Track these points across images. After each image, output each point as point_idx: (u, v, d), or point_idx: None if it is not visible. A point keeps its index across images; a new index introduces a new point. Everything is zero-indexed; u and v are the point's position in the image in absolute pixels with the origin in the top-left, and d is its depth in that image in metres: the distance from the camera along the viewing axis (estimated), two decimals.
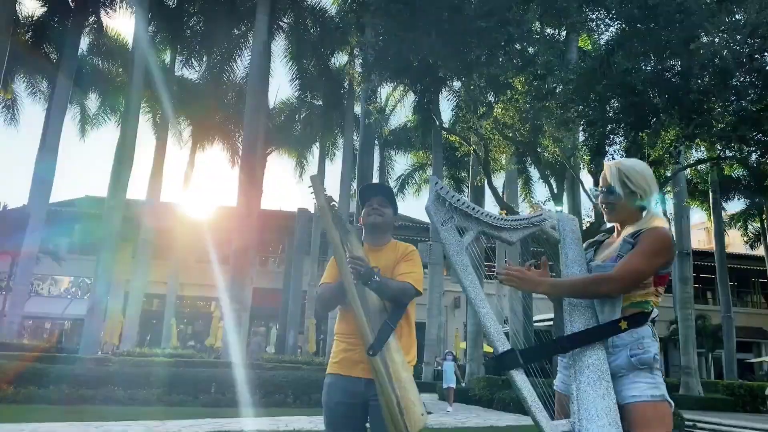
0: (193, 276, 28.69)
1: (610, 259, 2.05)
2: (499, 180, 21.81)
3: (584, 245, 2.24)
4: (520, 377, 1.90)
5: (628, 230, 2.08)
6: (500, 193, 17.58)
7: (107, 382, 11.09)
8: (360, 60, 16.01)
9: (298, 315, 23.09)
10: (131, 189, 22.40)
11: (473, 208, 2.14)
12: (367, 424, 2.58)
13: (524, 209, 22.20)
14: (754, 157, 15.73)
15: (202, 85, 24.09)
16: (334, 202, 2.62)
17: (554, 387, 2.15)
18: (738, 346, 26.35)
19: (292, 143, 26.12)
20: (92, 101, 24.94)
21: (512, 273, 2.02)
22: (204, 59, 23.22)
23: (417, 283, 2.58)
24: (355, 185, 24.17)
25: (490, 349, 18.22)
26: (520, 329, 20.07)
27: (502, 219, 2.17)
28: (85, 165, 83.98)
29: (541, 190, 30.88)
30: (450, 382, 13.56)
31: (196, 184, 74.11)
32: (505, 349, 1.94)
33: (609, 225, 2.57)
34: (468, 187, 24.26)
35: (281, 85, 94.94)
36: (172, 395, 11.25)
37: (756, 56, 12.07)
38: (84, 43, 22.08)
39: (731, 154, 15.02)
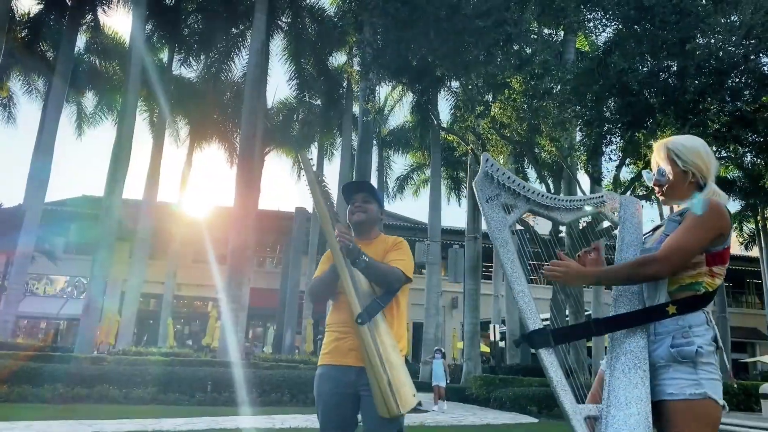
0: (191, 276, 28.67)
1: (657, 241, 1.92)
2: None
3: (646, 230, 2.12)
4: (549, 357, 1.83)
5: (681, 208, 1.96)
6: None
7: (102, 381, 11.07)
8: (358, 59, 16.03)
9: (295, 315, 23.08)
10: (128, 189, 22.35)
11: (523, 186, 2.08)
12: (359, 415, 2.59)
13: None
14: (748, 157, 15.82)
15: (200, 84, 24.06)
16: (323, 178, 2.63)
17: (600, 368, 2.00)
18: (733, 346, 26.47)
19: (290, 143, 26.12)
20: (89, 100, 24.89)
21: (556, 267, 1.88)
22: (202, 58, 23.18)
23: (406, 270, 2.59)
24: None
25: (488, 349, 18.22)
26: (516, 329, 20.18)
27: (554, 198, 2.10)
28: (81, 164, 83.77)
29: None
30: (439, 380, 13.30)
31: (193, 184, 74.01)
32: (537, 327, 1.87)
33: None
34: (466, 187, 24.32)
35: (279, 85, 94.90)
36: (168, 394, 11.24)
37: (751, 57, 12.16)
38: (81, 41, 22.07)
39: (726, 155, 15.09)
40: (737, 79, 12.50)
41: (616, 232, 2.11)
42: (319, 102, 24.52)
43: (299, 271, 23.62)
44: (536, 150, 16.34)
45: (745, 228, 29.72)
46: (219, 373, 11.88)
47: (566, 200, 2.10)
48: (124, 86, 17.66)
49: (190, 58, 22.86)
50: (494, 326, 20.07)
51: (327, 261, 2.70)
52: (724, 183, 26.89)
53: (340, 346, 2.58)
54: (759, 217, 28.16)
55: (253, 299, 22.30)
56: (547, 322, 2.14)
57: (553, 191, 15.56)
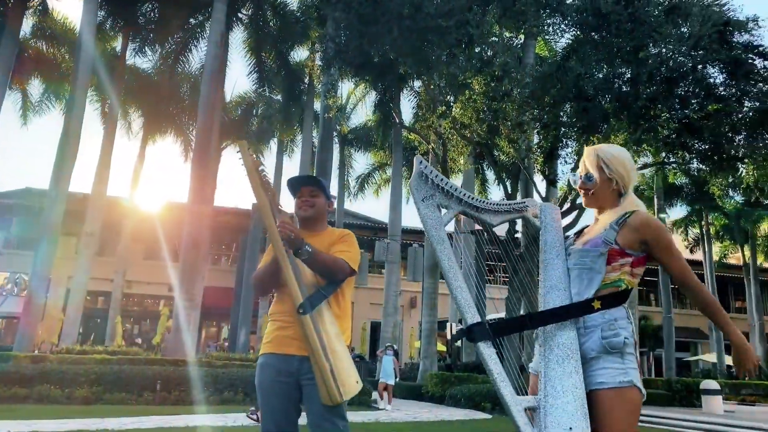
0: (142, 273, 27.92)
1: (591, 243, 2.03)
2: (456, 181, 22.04)
3: (565, 234, 2.27)
4: (488, 350, 1.89)
5: (609, 216, 2.08)
6: None
7: (43, 381, 10.66)
8: (320, 53, 15.91)
9: (249, 314, 22.73)
10: (76, 182, 21.61)
11: (455, 188, 2.16)
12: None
13: None
14: (695, 164, 16.40)
15: (156, 75, 23.42)
16: (263, 167, 2.57)
17: (529, 370, 2.13)
18: (677, 346, 27.43)
19: (248, 138, 25.70)
20: (35, 87, 23.84)
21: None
22: (158, 48, 22.55)
23: (352, 262, 2.57)
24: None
25: (444, 348, 18.40)
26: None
27: (484, 201, 2.19)
28: (26, 155, 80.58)
29: (496, 192, 31.41)
30: (387, 377, 12.79)
31: (146, 178, 72.13)
32: (475, 321, 1.93)
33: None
34: None
35: (238, 79, 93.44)
36: (114, 393, 10.91)
37: (699, 67, 12.61)
38: (27, 25, 21.12)
39: (675, 161, 15.62)
40: (686, 88, 12.93)
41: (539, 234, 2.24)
42: (279, 97, 24.19)
43: (255, 269, 23.26)
44: (495, 152, 16.56)
45: (690, 232, 30.90)
46: (169, 371, 11.59)
47: (494, 204, 2.22)
48: (73, 74, 17.02)
49: (146, 47, 22.20)
50: (451, 324, 20.24)
51: (270, 253, 2.64)
52: (671, 189, 27.93)
53: (283, 336, 2.55)
54: (703, 222, 29.33)
55: (207, 298, 21.89)
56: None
57: (510, 192, 15.79)
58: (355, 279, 2.88)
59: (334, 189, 26.29)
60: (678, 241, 31.71)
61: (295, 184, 2.78)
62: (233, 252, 31.21)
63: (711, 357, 28.91)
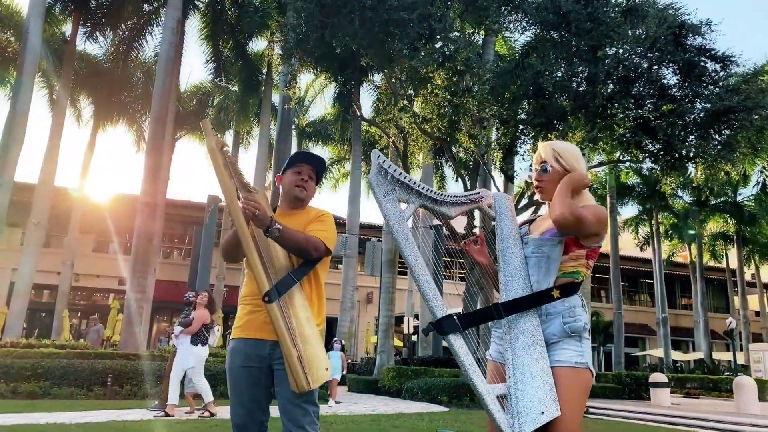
0: (90, 266, 27.06)
1: (549, 233, 2.12)
2: (415, 176, 22.09)
3: (519, 223, 2.32)
4: (458, 342, 1.94)
5: None
6: None
7: None
8: (280, 43, 15.65)
9: None
10: (22, 171, 20.75)
11: (414, 182, 2.17)
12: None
13: None
14: (648, 163, 16.88)
15: (107, 62, 22.65)
16: (227, 147, 2.47)
17: (487, 356, 2.21)
18: (626, 341, 28.27)
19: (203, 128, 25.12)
20: None
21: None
22: (110, 34, 21.80)
23: (327, 241, 2.51)
24: (270, 175, 23.64)
25: (401, 343, 18.41)
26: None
27: (441, 194, 2.22)
28: None
29: (454, 188, 31.68)
30: (334, 372, 12.12)
31: (96, 168, 69.92)
32: (444, 314, 1.97)
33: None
34: None
35: (194, 68, 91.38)
36: (63, 388, 10.57)
37: (654, 68, 12.97)
38: None
39: (629, 159, 16.03)
40: (641, 88, 13.29)
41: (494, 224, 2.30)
42: (236, 88, 23.73)
43: (209, 263, 22.78)
44: (454, 147, 16.67)
45: (640, 231, 31.85)
46: (120, 365, 11.27)
47: (451, 196, 2.26)
48: (20, 59, 16.30)
49: (97, 33, 21.40)
50: (408, 319, 20.32)
51: None
52: (624, 188, 28.73)
53: (254, 320, 2.49)
54: (653, 221, 30.27)
55: (159, 292, 21.37)
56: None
57: (469, 188, 15.93)
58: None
59: None
60: (629, 239, 32.66)
61: (302, 159, 2.68)
62: (186, 246, 30.55)
63: (658, 352, 29.89)
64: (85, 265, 26.58)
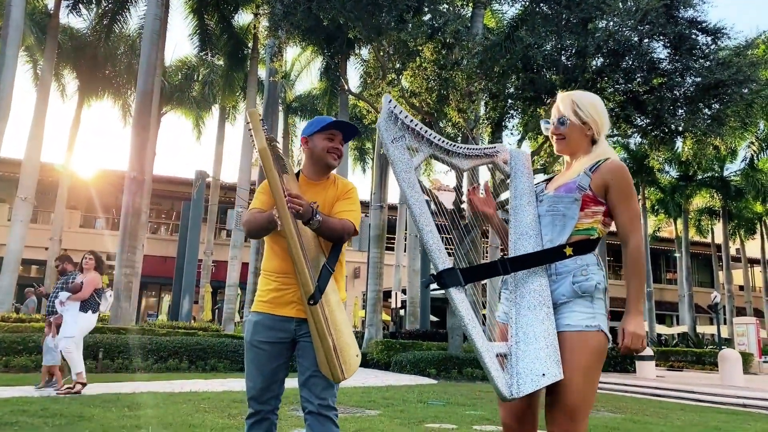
0: (78, 242, 26.88)
1: (565, 189, 2.01)
2: None
3: (536, 181, 2.23)
4: (458, 296, 1.85)
5: (583, 162, 2.06)
6: None
7: None
8: (267, 15, 15.40)
9: (192, 283, 22.26)
10: (8, 146, 20.41)
11: (426, 130, 2.07)
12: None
13: (425, 182, 22.62)
14: (636, 138, 16.92)
15: (91, 35, 22.21)
16: (276, 142, 2.43)
17: (497, 318, 2.10)
18: (612, 315, 28.60)
19: (189, 104, 24.84)
20: None
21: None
22: (93, 7, 21.35)
23: (356, 222, 2.51)
24: (256, 153, 23.49)
25: (388, 318, 18.45)
26: (416, 297, 20.68)
27: (455, 145, 2.12)
28: None
29: (440, 165, 31.61)
30: None
31: (83, 144, 68.98)
32: (446, 267, 1.88)
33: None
34: (373, 158, 24.37)
35: (180, 42, 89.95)
36: None
37: (644, 41, 12.92)
38: None
39: (617, 134, 16.05)
40: (631, 62, 13.24)
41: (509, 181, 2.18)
42: (222, 62, 23.42)
43: (197, 239, 22.73)
44: (443, 123, 16.60)
45: None
46: (111, 339, 11.29)
47: (465, 147, 2.15)
48: (3, 32, 15.95)
49: (80, 5, 20.94)
50: (396, 293, 20.45)
51: (266, 192, 2.52)
52: None
53: (281, 298, 2.47)
54: (640, 196, 30.48)
55: (147, 267, 21.34)
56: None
57: None
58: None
59: None
60: None
61: (337, 126, 2.58)
62: (173, 221, 30.42)
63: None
64: (73, 240, 26.43)
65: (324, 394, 2.38)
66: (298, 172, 2.68)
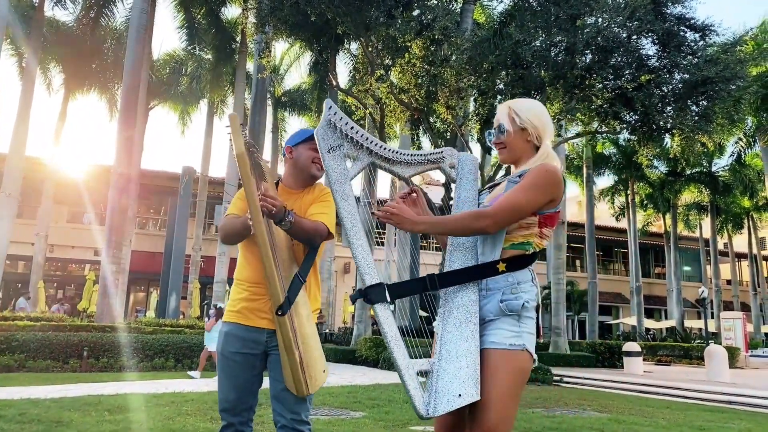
0: (65, 237, 26.72)
1: (493, 199, 1.96)
2: (393, 147, 21.91)
3: (480, 188, 2.16)
4: (384, 312, 1.83)
5: (519, 170, 2.01)
6: None
7: None
8: (254, 10, 15.25)
9: (180, 279, 22.14)
10: None
11: (366, 138, 2.00)
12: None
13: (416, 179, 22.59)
14: (625, 134, 16.96)
15: (77, 28, 21.93)
16: (255, 148, 2.38)
17: (434, 327, 2.02)
18: (600, 310, 28.85)
19: (177, 98, 24.61)
20: None
21: (390, 210, 1.87)
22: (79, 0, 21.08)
23: (330, 225, 2.45)
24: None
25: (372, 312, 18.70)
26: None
27: (396, 152, 2.04)
28: None
29: None
30: (211, 342, 10.22)
31: (69, 138, 68.41)
32: (373, 283, 1.84)
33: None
34: None
35: (167, 36, 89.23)
36: (38, 361, 10.52)
37: (633, 37, 12.91)
38: None
39: (606, 130, 16.07)
40: (620, 59, 13.23)
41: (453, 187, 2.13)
42: (210, 56, 23.20)
43: (185, 234, 22.59)
44: (432, 118, 16.53)
45: (616, 201, 32.23)
46: (96, 338, 11.21)
47: (408, 154, 2.07)
48: None
49: None
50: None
51: (242, 199, 2.48)
52: (600, 158, 28.94)
53: (252, 308, 2.43)
54: (629, 191, 30.63)
55: (135, 263, 21.16)
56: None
57: None
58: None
59: (267, 153, 25.65)
60: (605, 209, 33.04)
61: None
62: (161, 216, 30.22)
63: (631, 320, 30.56)
64: (60, 236, 26.22)
65: (296, 408, 2.34)
66: (278, 181, 2.64)
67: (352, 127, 1.99)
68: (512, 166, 2.12)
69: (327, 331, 22.65)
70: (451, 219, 1.91)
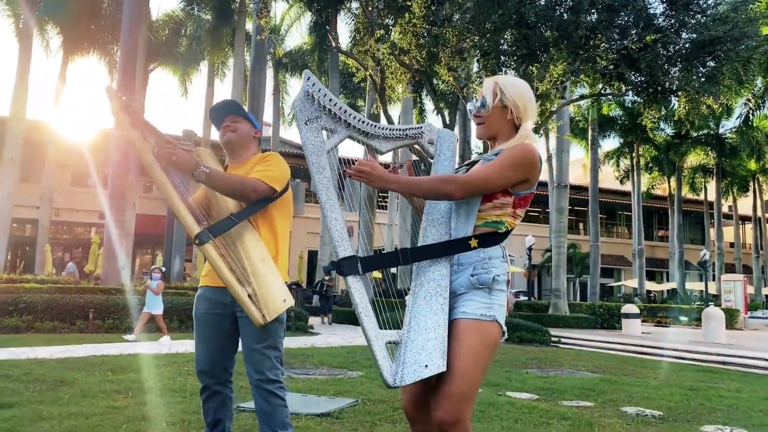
0: (69, 200, 26.83)
1: None
2: (395, 110, 21.76)
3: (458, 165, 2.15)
4: (356, 284, 1.85)
5: (496, 149, 1.99)
6: (396, 123, 17.56)
7: None
8: None
9: (183, 242, 22.31)
10: None
11: (344, 110, 1.99)
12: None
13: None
14: (630, 95, 16.75)
15: None
16: (132, 108, 2.38)
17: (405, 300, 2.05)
18: (602, 272, 28.99)
19: (176, 60, 24.34)
20: None
21: (362, 168, 1.86)
22: None
23: (270, 180, 2.44)
24: (246, 107, 23.19)
25: (379, 275, 18.58)
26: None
27: (375, 126, 2.03)
28: None
29: (434, 122, 31.36)
30: (152, 306, 9.95)
31: (70, 101, 68.04)
32: (346, 255, 1.86)
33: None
34: (364, 115, 24.07)
35: None
36: (45, 322, 10.69)
37: None
38: None
39: (611, 92, 15.88)
40: (626, 18, 12.99)
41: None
42: (209, 17, 22.83)
43: (188, 197, 22.63)
44: (434, 80, 16.33)
45: (621, 164, 32.05)
46: (102, 300, 11.38)
47: (386, 129, 2.06)
48: None
49: None
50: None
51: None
52: (606, 121, 28.64)
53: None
54: (635, 154, 30.41)
55: (140, 226, 21.31)
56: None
57: (449, 122, 15.74)
58: (294, 206, 2.79)
59: (268, 116, 25.49)
60: (609, 172, 32.86)
61: (217, 113, 2.65)
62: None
63: (633, 282, 30.75)
64: (64, 199, 26.33)
65: (262, 368, 2.41)
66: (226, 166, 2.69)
67: (330, 99, 1.98)
68: (489, 144, 2.12)
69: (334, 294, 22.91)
70: (421, 180, 1.92)
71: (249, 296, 2.26)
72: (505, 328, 1.89)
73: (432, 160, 2.12)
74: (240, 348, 2.54)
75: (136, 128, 2.31)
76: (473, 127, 2.21)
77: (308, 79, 1.99)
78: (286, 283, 2.46)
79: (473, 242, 1.89)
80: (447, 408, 1.77)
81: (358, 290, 1.84)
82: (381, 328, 1.85)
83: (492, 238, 1.90)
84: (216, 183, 2.34)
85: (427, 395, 1.88)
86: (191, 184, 2.51)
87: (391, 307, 2.15)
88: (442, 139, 2.12)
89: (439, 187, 1.87)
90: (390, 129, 2.07)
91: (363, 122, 2.02)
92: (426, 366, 1.75)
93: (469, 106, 2.11)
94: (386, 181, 1.89)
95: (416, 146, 2.17)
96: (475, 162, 2.09)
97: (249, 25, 22.46)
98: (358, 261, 1.85)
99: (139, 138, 2.30)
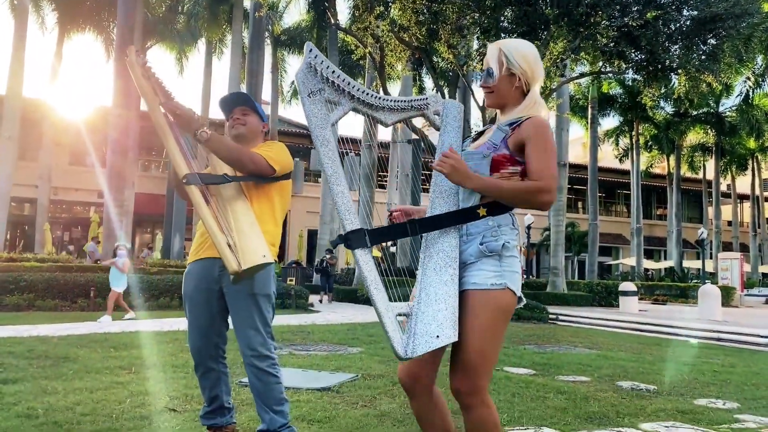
0: (68, 179, 26.79)
1: (483, 146, 1.93)
2: (394, 88, 21.62)
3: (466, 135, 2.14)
4: (364, 257, 1.83)
5: (507, 117, 1.97)
6: None
7: None
8: None
9: (183, 221, 22.36)
10: None
11: (348, 82, 1.97)
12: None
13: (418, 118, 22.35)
14: (630, 74, 16.67)
15: None
16: (154, 71, 2.42)
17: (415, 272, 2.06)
18: (600, 250, 29.11)
19: (174, 37, 24.11)
20: None
21: (449, 161, 1.83)
22: None
23: (271, 160, 2.48)
24: (244, 86, 23.04)
25: (379, 254, 18.65)
26: (406, 239, 20.87)
27: (379, 98, 2.01)
28: None
29: None
30: (115, 284, 9.66)
31: (66, 79, 67.48)
32: (354, 228, 1.85)
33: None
34: None
35: None
36: (47, 300, 10.78)
37: None
38: None
39: (611, 70, 15.78)
40: None
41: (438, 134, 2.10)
42: None
43: None
44: (434, 58, 16.21)
45: (621, 143, 31.97)
46: (103, 278, 11.40)
47: (391, 100, 2.03)
48: None
49: None
50: None
51: None
52: (606, 99, 28.51)
53: (205, 241, 2.53)
54: (634, 132, 30.33)
55: (139, 205, 21.33)
56: None
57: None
58: (291, 188, 2.82)
59: (266, 94, 25.27)
60: (608, 151, 32.81)
61: (227, 104, 2.70)
62: (164, 158, 30.19)
63: (631, 261, 30.88)
64: (63, 178, 26.29)
65: (253, 343, 2.46)
66: None
67: (333, 71, 1.95)
68: (498, 112, 2.12)
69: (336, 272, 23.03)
70: (507, 185, 1.86)
71: (228, 244, 2.27)
72: (520, 293, 1.88)
73: (438, 131, 2.10)
74: (231, 325, 2.58)
75: (148, 81, 2.37)
76: (473, 104, 2.25)
77: (310, 51, 1.97)
78: (281, 265, 2.49)
79: (482, 211, 1.87)
80: (463, 379, 1.80)
81: (367, 263, 1.83)
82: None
83: (500, 206, 1.89)
84: (217, 146, 2.37)
85: (423, 368, 1.90)
86: (200, 153, 2.56)
87: (391, 285, 2.16)
88: (448, 109, 2.10)
89: (532, 198, 1.83)
90: (395, 100, 2.05)
91: (367, 94, 2.00)
92: (437, 336, 1.75)
93: (478, 78, 2.12)
94: (467, 177, 1.84)
95: (422, 117, 2.14)
96: (482, 132, 2.08)
97: (247, 2, 22.22)
98: (366, 233, 1.84)
99: (149, 88, 2.35)
